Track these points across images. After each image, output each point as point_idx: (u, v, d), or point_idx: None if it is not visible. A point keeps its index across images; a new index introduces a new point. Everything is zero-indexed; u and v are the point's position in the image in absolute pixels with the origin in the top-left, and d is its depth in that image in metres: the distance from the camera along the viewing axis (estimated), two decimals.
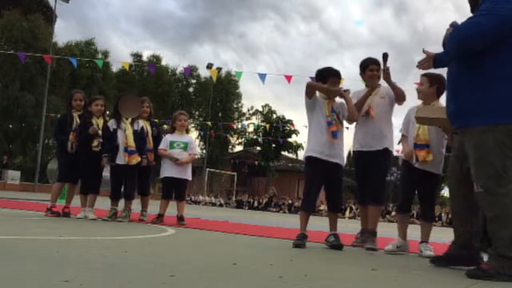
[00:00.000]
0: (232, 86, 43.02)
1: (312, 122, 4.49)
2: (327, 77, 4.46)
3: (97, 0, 72.18)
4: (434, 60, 3.65)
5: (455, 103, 3.27)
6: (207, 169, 34.39)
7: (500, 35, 3.05)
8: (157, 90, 39.93)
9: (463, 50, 3.17)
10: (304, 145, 38.11)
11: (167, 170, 6.22)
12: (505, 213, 2.99)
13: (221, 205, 28.70)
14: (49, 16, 31.78)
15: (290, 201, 26.77)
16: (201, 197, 30.21)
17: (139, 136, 6.07)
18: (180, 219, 6.18)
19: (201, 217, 9.08)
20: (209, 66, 32.95)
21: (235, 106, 44.08)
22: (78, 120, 6.14)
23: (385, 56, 4.56)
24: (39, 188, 24.12)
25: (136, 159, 5.95)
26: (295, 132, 37.43)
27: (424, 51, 3.74)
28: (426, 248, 4.27)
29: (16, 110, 31.45)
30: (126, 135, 5.93)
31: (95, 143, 5.98)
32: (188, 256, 3.27)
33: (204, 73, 41.98)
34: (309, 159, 4.44)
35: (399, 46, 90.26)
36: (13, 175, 24.01)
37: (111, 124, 6.03)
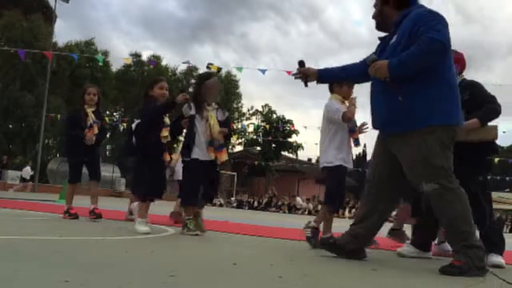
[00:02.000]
0: (232, 86, 43.01)
1: (339, 131, 4.47)
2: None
3: (97, 0, 72.17)
4: (319, 76, 3.77)
5: (388, 110, 3.33)
6: None
7: None
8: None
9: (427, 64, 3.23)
10: (305, 145, 38.02)
11: None
12: (460, 208, 3.13)
13: (221, 205, 28.69)
14: (49, 16, 31.78)
15: (289, 202, 26.77)
16: None
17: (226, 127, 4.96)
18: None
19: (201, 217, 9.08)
20: (209, 67, 32.98)
21: (235, 106, 44.06)
22: (93, 116, 5.74)
23: (301, 63, 3.94)
24: (39, 188, 24.12)
25: (226, 156, 4.89)
26: (295, 132, 37.44)
27: (301, 66, 3.81)
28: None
29: (16, 110, 31.48)
30: (210, 125, 4.79)
31: (165, 132, 4.75)
32: (188, 256, 3.27)
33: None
34: (340, 167, 4.44)
35: None
36: (13, 175, 24.02)
37: (186, 109, 4.87)
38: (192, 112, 4.79)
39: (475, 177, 3.93)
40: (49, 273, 2.16)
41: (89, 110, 5.77)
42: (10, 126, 32.95)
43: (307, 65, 3.82)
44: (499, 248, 3.86)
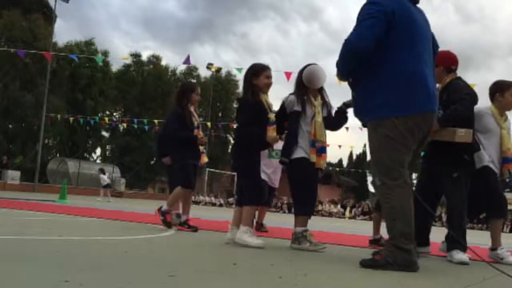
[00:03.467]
0: (232, 86, 43.05)
1: None
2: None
3: (97, 0, 72.18)
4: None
5: (356, 103, 3.44)
6: (207, 169, 34.38)
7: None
8: (157, 90, 39.93)
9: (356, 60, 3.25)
10: None
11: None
12: (398, 206, 3.10)
13: (221, 205, 28.69)
14: (49, 16, 31.81)
15: (289, 201, 26.74)
16: (201, 197, 30.20)
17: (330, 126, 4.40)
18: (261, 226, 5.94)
19: (201, 217, 9.08)
20: (209, 67, 32.94)
21: (235, 106, 44.09)
22: (195, 115, 5.40)
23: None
24: (39, 188, 24.13)
25: (325, 162, 4.35)
26: None
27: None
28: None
29: (16, 110, 31.50)
30: (314, 124, 4.18)
31: (272, 132, 4.10)
32: (188, 256, 3.27)
33: (203, 73, 42.00)
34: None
35: None
36: (13, 175, 24.02)
37: (292, 103, 4.24)
38: (297, 108, 4.18)
39: (449, 174, 3.96)
40: (49, 273, 2.16)
41: (192, 110, 5.38)
42: (10, 126, 32.95)
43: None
44: (462, 246, 3.87)
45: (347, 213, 24.07)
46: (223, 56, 75.60)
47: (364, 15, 3.16)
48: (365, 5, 3.23)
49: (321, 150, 4.16)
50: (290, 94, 4.32)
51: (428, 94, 3.21)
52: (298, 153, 4.13)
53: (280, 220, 11.86)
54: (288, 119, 4.22)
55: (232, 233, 4.11)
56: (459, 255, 3.83)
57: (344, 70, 3.33)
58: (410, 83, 3.15)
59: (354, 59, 3.19)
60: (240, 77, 45.34)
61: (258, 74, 4.15)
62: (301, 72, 4.27)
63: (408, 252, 3.04)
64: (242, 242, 3.90)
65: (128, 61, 36.36)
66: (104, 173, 18.47)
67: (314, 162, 4.13)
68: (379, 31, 3.10)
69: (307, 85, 4.20)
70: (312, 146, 4.12)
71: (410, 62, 3.17)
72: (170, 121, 5.45)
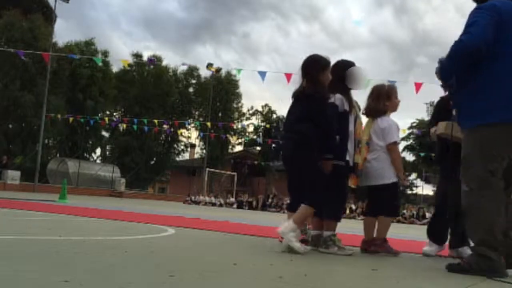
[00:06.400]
0: (232, 86, 43.08)
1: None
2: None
3: (97, 0, 72.19)
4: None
5: (458, 107, 3.39)
6: (207, 169, 34.40)
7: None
8: (157, 90, 39.95)
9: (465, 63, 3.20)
10: None
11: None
12: (480, 214, 3.09)
13: (221, 205, 28.70)
14: (49, 16, 31.82)
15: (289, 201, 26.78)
16: (201, 197, 30.22)
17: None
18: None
19: (201, 217, 9.08)
20: (209, 67, 32.96)
21: (235, 106, 44.12)
22: None
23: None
24: (39, 188, 24.14)
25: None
26: None
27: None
28: None
29: (16, 110, 31.51)
30: (358, 124, 4.16)
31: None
32: (188, 256, 3.27)
33: (204, 73, 42.02)
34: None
35: (399, 47, 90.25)
36: (13, 175, 24.03)
37: (341, 102, 3.97)
38: (346, 107, 3.95)
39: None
40: (49, 273, 2.16)
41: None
42: (10, 126, 32.96)
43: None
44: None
45: (347, 213, 24.03)
46: (223, 56, 75.73)
47: (474, 18, 3.16)
48: (474, 9, 3.24)
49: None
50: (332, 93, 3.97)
51: None
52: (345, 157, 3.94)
53: (281, 220, 11.87)
54: (339, 119, 3.94)
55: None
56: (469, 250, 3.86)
57: (451, 71, 3.26)
58: (497, 87, 3.13)
59: (465, 60, 3.15)
60: (240, 77, 45.51)
61: (324, 69, 3.84)
62: (341, 69, 4.01)
63: (490, 259, 3.03)
64: (287, 241, 3.58)
65: (130, 61, 36.36)
66: None
67: (358, 163, 4.07)
68: (490, 33, 3.10)
69: (349, 85, 4.03)
70: (357, 147, 4.08)
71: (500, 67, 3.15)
72: None
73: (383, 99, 4.31)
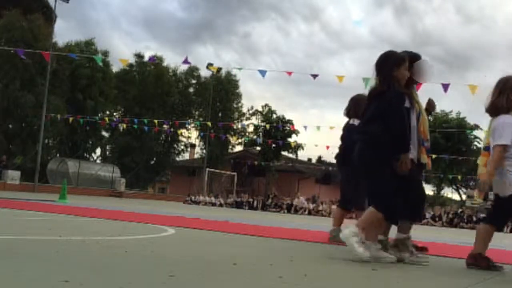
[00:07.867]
0: (232, 86, 43.04)
1: None
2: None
3: (97, 0, 72.22)
4: None
5: None
6: (207, 169, 34.38)
7: None
8: (157, 90, 39.94)
9: None
10: (304, 146, 37.97)
11: None
12: None
13: (221, 205, 28.69)
14: (49, 16, 31.79)
15: (291, 201, 26.74)
16: (201, 197, 30.21)
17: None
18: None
19: (201, 217, 9.08)
20: (209, 67, 32.93)
21: (235, 106, 44.07)
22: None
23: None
24: (39, 188, 24.13)
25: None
26: (295, 132, 37.42)
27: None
28: None
29: (16, 110, 31.49)
30: (422, 120, 3.83)
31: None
32: (188, 256, 3.27)
33: (204, 73, 42.00)
34: None
35: (399, 47, 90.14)
36: (13, 175, 24.03)
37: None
38: (407, 104, 3.63)
39: None
40: (49, 273, 2.16)
41: None
42: (10, 126, 32.95)
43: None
44: None
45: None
46: (224, 56, 75.66)
47: None
48: None
49: (428, 150, 3.86)
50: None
51: None
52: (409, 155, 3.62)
53: (281, 220, 11.87)
54: None
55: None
56: None
57: None
58: None
59: None
60: (240, 77, 45.49)
61: (399, 65, 3.62)
62: (408, 61, 3.71)
63: None
64: (348, 244, 3.40)
65: (131, 61, 36.35)
66: None
67: (425, 163, 3.79)
68: None
69: (415, 78, 3.80)
70: (422, 145, 3.79)
71: None
72: None
73: (507, 93, 3.52)
